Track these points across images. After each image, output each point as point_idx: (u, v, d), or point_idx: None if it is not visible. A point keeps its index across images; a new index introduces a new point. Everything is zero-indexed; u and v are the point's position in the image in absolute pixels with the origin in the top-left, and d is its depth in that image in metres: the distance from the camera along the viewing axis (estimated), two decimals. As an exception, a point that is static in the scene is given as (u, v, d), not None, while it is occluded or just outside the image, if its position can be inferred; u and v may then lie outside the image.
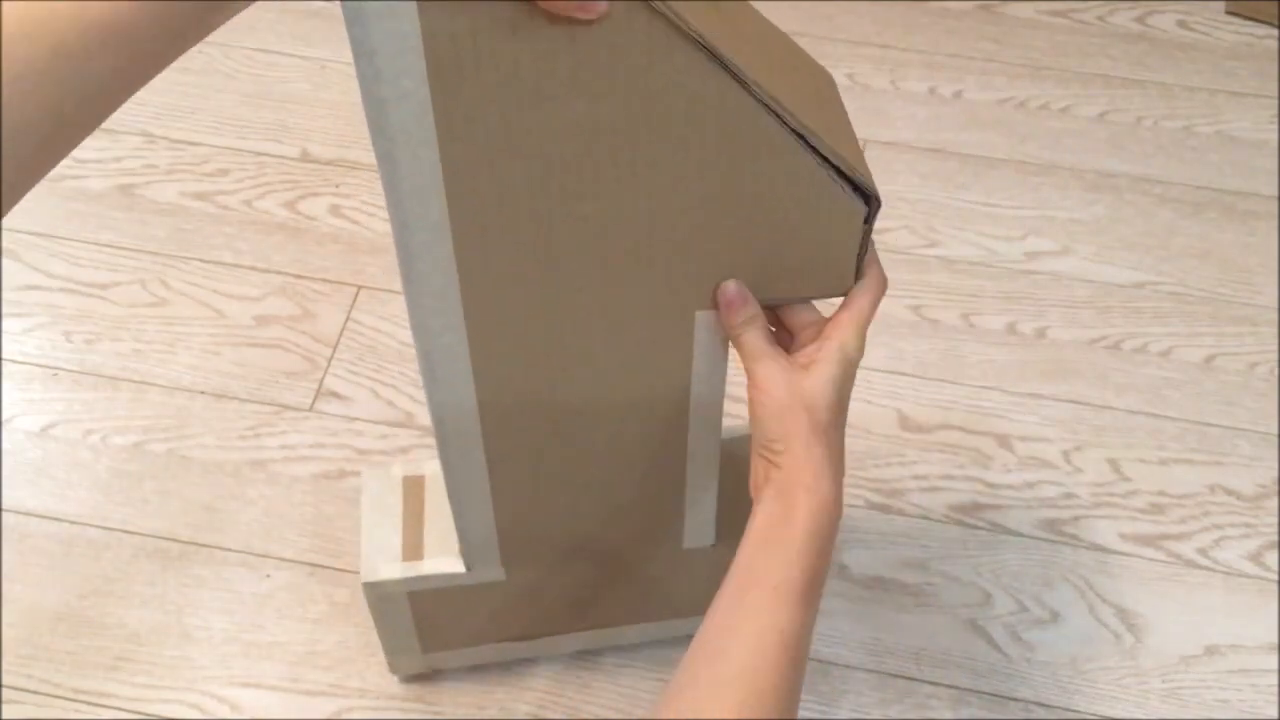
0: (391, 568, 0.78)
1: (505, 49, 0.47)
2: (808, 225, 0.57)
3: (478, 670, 0.90)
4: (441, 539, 0.79)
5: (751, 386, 0.59)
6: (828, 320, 0.61)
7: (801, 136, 0.53)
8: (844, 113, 0.59)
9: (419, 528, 0.80)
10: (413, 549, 0.79)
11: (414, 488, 0.82)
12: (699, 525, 0.78)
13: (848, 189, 0.55)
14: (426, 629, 0.84)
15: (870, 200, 0.56)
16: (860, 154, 0.57)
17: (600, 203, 0.54)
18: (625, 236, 0.56)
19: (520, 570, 0.79)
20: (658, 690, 0.89)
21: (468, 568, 0.77)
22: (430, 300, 0.58)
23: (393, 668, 0.88)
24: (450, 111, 0.49)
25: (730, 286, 0.59)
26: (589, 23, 0.46)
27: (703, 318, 0.61)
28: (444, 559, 0.78)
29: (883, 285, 0.61)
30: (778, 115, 0.52)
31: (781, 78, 0.54)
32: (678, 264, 0.58)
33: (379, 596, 0.79)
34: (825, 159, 0.54)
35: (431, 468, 0.82)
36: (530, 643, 0.88)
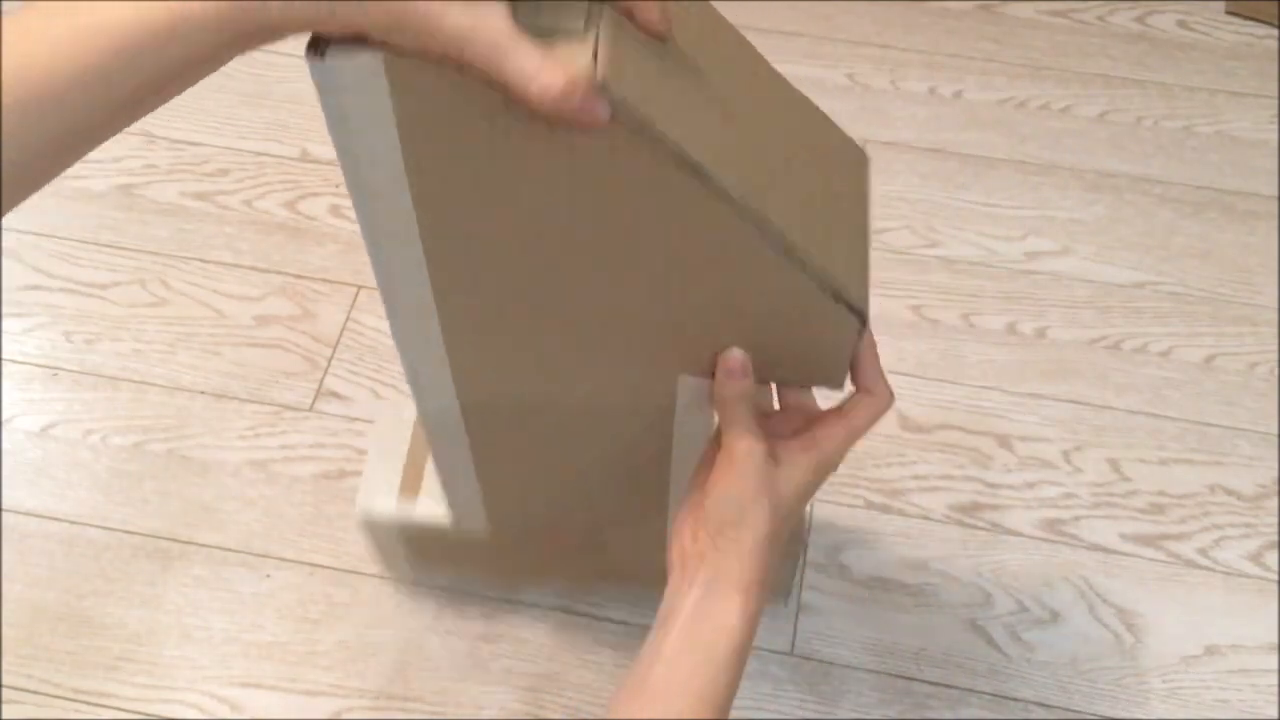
0: (386, 504, 0.81)
1: (481, 139, 0.45)
2: (799, 330, 0.55)
3: (477, 670, 0.90)
4: (438, 483, 0.79)
5: (724, 460, 0.56)
6: (818, 417, 0.58)
7: (803, 263, 0.51)
8: (862, 205, 0.57)
9: (420, 467, 0.82)
10: (411, 485, 0.82)
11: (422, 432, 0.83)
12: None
13: (841, 306, 0.53)
14: (417, 555, 0.88)
15: (863, 320, 0.54)
16: (863, 259, 0.55)
17: (580, 287, 0.53)
18: (606, 317, 0.55)
19: (505, 530, 0.81)
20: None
21: (454, 523, 0.80)
22: (414, 334, 0.58)
23: (385, 571, 0.94)
24: (425, 181, 0.47)
25: (735, 355, 0.56)
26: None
27: (686, 382, 0.60)
28: (435, 504, 0.80)
29: (887, 405, 0.58)
30: (768, 235, 0.49)
31: (786, 178, 0.52)
32: (662, 341, 0.57)
33: (373, 528, 0.84)
34: (815, 276, 0.52)
35: None
36: (515, 581, 0.92)
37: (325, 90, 0.43)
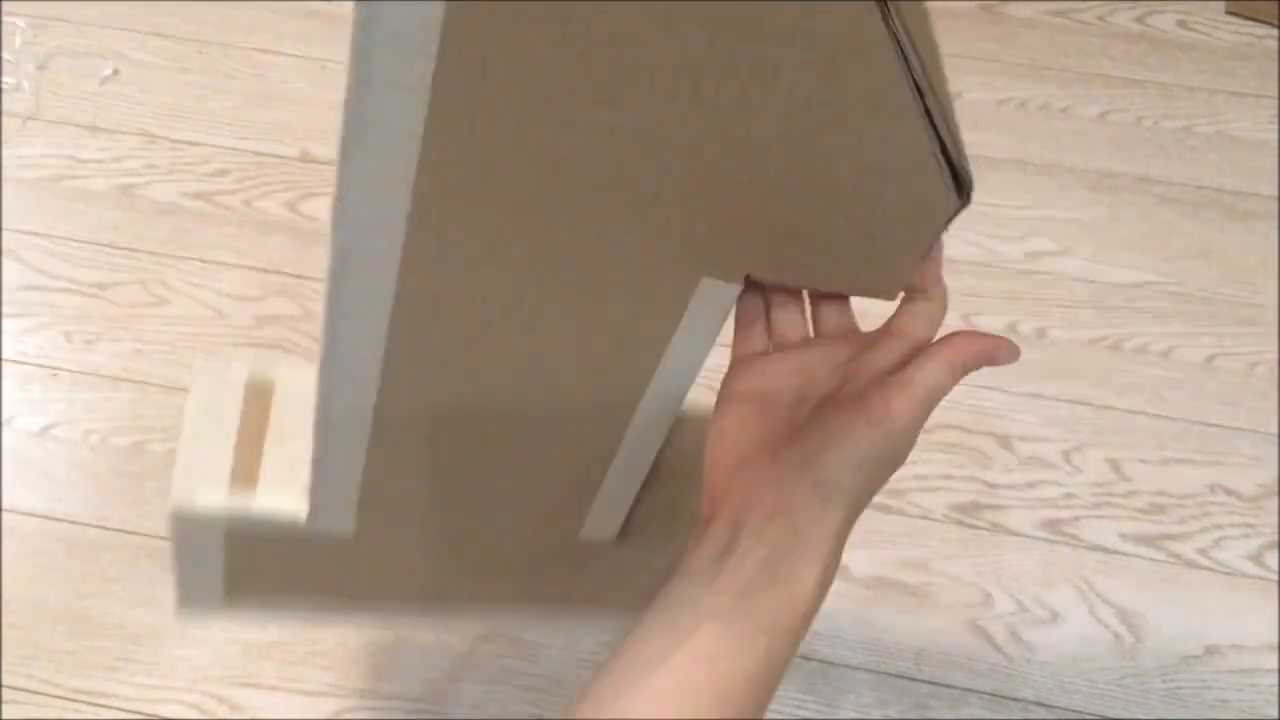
0: (213, 495, 0.60)
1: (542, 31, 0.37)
2: (884, 203, 0.45)
3: (477, 670, 0.90)
4: (283, 466, 0.62)
5: (900, 394, 0.45)
6: (910, 354, 0.48)
7: (921, 95, 0.41)
8: (948, 88, 0.46)
9: (256, 446, 0.63)
10: (245, 473, 0.62)
11: (258, 397, 0.65)
12: (605, 518, 0.65)
13: (947, 175, 0.44)
14: (237, 572, 0.65)
15: (965, 194, 0.45)
16: (963, 145, 0.46)
17: (635, 109, 0.41)
18: (654, 160, 0.43)
19: (374, 526, 0.62)
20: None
21: (311, 513, 0.60)
22: (356, 311, 0.47)
23: (179, 612, 0.67)
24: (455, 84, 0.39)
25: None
26: None
27: (710, 288, 0.49)
28: (281, 494, 0.61)
29: (944, 312, 0.50)
30: (905, 58, 0.40)
31: (918, 22, 0.42)
32: (707, 213, 0.45)
33: (189, 529, 0.61)
34: (936, 132, 0.42)
35: (284, 373, 0.65)
36: (366, 607, 0.72)
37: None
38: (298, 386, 0.59)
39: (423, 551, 0.67)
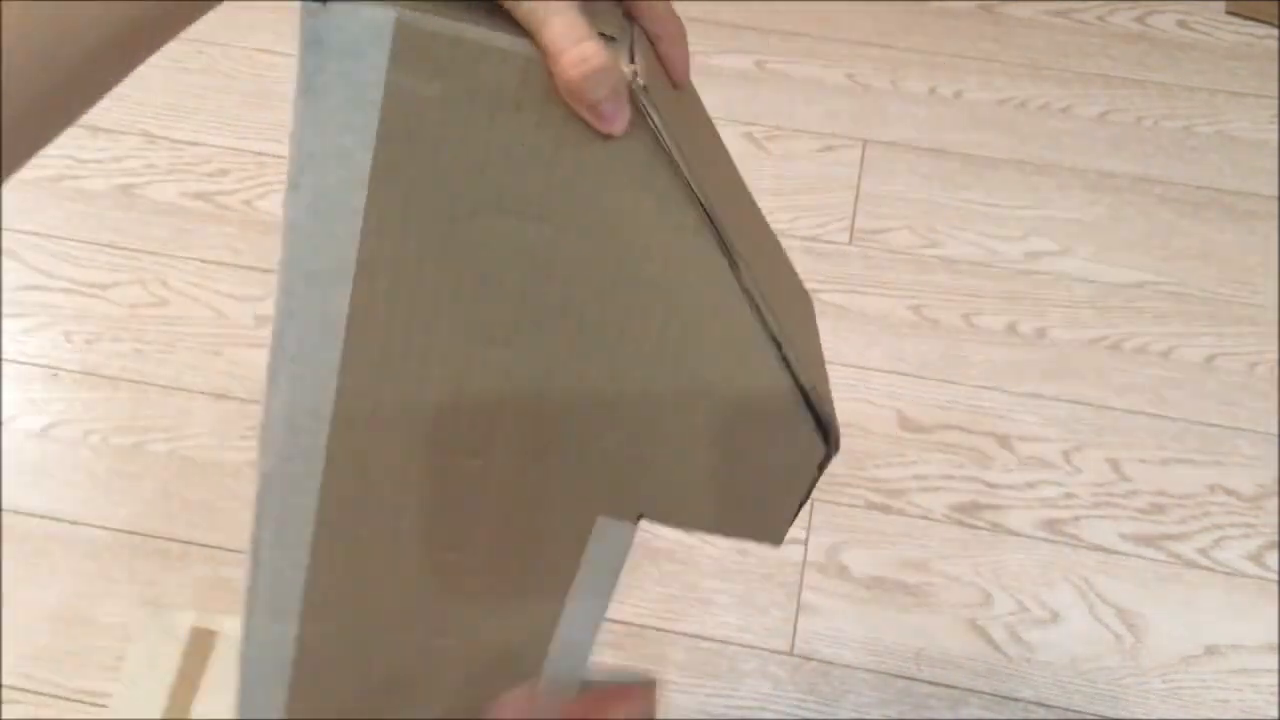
0: None
1: (473, 135, 0.39)
2: (760, 449, 0.47)
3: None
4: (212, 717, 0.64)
5: None
6: None
7: (778, 345, 0.44)
8: (818, 341, 0.51)
9: (188, 700, 0.66)
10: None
11: (199, 644, 0.68)
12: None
13: (809, 421, 0.46)
14: None
15: (830, 440, 0.47)
16: (827, 386, 0.49)
17: (521, 343, 0.44)
18: (542, 401, 0.46)
19: None
20: None
21: None
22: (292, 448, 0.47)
23: None
24: (389, 175, 0.42)
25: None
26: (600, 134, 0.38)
27: (606, 527, 0.51)
28: None
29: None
30: (759, 312, 0.43)
31: (771, 273, 0.46)
32: (597, 454, 0.48)
33: None
34: (797, 381, 0.45)
35: (230, 626, 0.66)
36: None
37: (311, 44, 0.38)
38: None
39: None
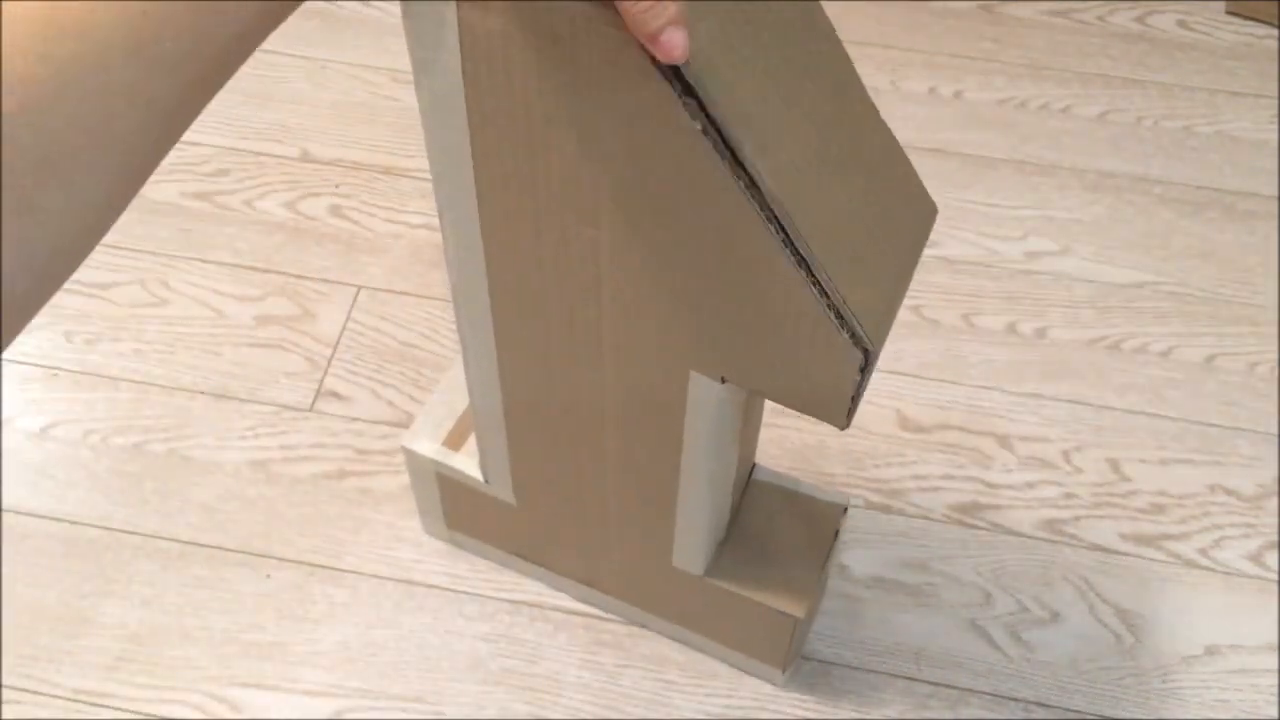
0: (429, 445, 0.85)
1: (536, 66, 0.47)
2: (808, 346, 0.52)
3: (477, 670, 0.90)
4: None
5: None
6: None
7: (806, 265, 0.48)
8: (912, 256, 0.54)
9: (471, 425, 0.84)
10: (457, 437, 0.85)
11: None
12: (689, 552, 0.78)
13: (844, 335, 0.50)
14: (451, 508, 0.90)
15: (863, 350, 0.51)
16: (891, 304, 0.52)
17: (601, 252, 0.55)
18: (625, 292, 0.56)
19: (529, 506, 0.83)
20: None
21: (485, 481, 0.83)
22: (470, 321, 0.66)
23: (424, 527, 0.96)
24: (480, 102, 0.51)
25: None
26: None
27: (698, 380, 0.59)
28: (473, 461, 0.84)
29: None
30: (785, 233, 0.47)
31: (838, 196, 0.50)
32: (676, 332, 0.56)
33: (413, 465, 0.87)
34: (827, 297, 0.49)
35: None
36: (539, 567, 0.92)
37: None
38: None
39: (571, 537, 0.85)
